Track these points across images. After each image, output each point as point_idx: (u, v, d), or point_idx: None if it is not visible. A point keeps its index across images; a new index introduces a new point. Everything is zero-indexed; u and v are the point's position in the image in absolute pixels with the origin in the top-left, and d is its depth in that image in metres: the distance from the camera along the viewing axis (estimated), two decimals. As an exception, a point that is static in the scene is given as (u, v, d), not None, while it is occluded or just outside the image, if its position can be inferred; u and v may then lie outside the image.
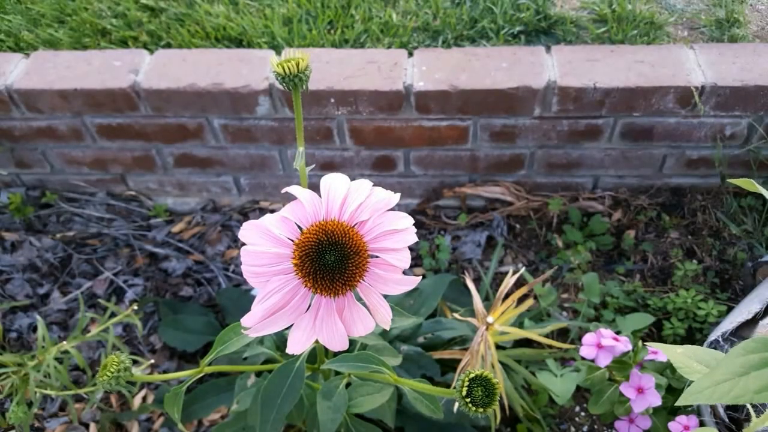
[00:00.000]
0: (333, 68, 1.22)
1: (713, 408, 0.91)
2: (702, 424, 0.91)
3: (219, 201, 1.47)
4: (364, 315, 0.51)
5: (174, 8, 1.47)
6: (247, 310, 0.50)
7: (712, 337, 0.96)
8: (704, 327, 1.18)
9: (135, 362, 1.14)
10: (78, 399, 1.21)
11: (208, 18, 1.43)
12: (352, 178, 0.51)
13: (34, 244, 1.38)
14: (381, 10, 1.43)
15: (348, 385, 0.73)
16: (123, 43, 1.43)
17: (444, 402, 0.96)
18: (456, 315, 1.00)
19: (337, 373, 0.73)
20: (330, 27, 1.42)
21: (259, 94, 1.21)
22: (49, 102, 1.25)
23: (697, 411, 0.95)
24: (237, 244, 1.39)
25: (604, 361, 0.91)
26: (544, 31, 1.40)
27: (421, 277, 0.67)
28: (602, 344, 0.91)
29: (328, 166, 1.35)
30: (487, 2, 1.43)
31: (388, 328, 0.53)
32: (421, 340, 1.08)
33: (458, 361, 1.03)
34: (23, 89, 1.24)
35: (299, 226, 0.50)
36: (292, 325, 0.51)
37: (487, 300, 1.25)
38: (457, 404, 0.56)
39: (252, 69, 1.23)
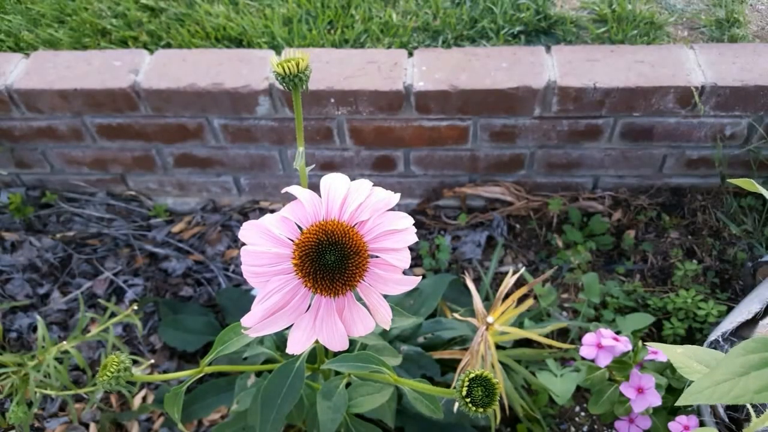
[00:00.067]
0: (333, 68, 1.22)
1: (713, 408, 0.91)
2: (702, 424, 0.91)
3: (219, 201, 1.47)
4: (364, 315, 0.51)
5: (174, 8, 1.47)
6: (247, 310, 0.50)
7: (712, 337, 0.96)
8: (704, 327, 1.18)
9: (135, 362, 1.14)
10: (78, 399, 1.21)
11: (208, 18, 1.43)
12: (352, 178, 0.51)
13: (34, 244, 1.38)
14: (381, 10, 1.43)
15: (348, 385, 0.73)
16: (123, 43, 1.43)
17: (444, 402, 0.96)
18: (456, 315, 1.00)
19: (337, 373, 0.73)
20: (330, 27, 1.42)
21: (259, 94, 1.21)
22: (49, 102, 1.25)
23: (697, 411, 0.95)
24: (237, 244, 1.39)
25: (604, 361, 0.91)
26: (544, 31, 1.40)
27: (421, 277, 0.67)
28: (602, 344, 0.91)
29: (328, 166, 1.35)
30: (487, 2, 1.43)
31: (388, 328, 0.53)
32: (421, 340, 1.08)
33: (458, 361, 1.03)
34: (23, 89, 1.24)
35: (299, 226, 0.50)
36: (292, 325, 0.51)
37: (487, 300, 1.25)
38: (457, 404, 0.56)
39: (252, 69, 1.23)
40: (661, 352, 0.90)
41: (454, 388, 0.54)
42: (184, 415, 1.03)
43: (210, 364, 0.67)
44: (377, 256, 0.50)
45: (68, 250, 1.38)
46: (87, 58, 1.28)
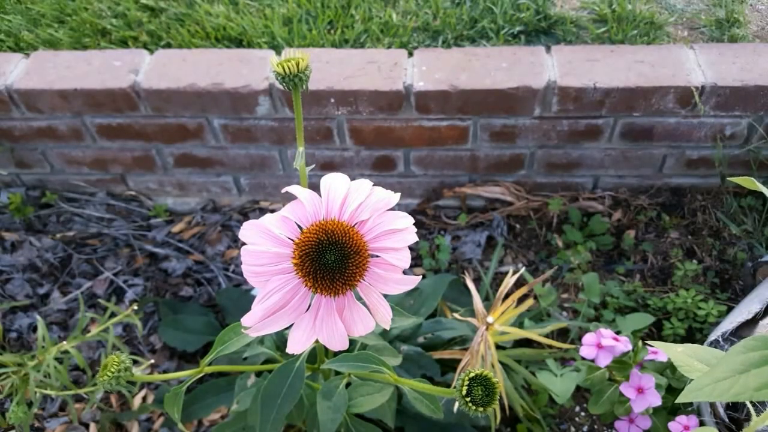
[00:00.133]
0: (333, 68, 1.22)
1: (713, 408, 0.91)
2: (702, 423, 0.91)
3: (219, 201, 1.47)
4: (365, 314, 0.51)
5: (174, 8, 1.47)
6: (247, 310, 0.50)
7: (712, 337, 0.96)
8: (704, 327, 1.18)
9: (135, 362, 1.14)
10: (78, 399, 1.21)
11: (208, 18, 1.43)
12: (352, 178, 0.52)
13: (34, 244, 1.38)
14: (381, 10, 1.43)
15: (348, 385, 0.73)
16: (123, 43, 1.43)
17: (444, 402, 0.96)
18: (456, 315, 1.00)
19: (337, 373, 0.73)
20: (330, 27, 1.43)
21: (259, 94, 1.21)
22: (49, 102, 1.25)
23: (697, 411, 0.95)
24: (237, 244, 1.39)
25: (604, 361, 0.91)
26: (544, 31, 1.40)
27: (421, 276, 0.67)
28: (602, 344, 0.91)
29: (328, 166, 1.35)
30: (487, 2, 1.43)
31: (388, 328, 0.53)
32: (421, 340, 1.08)
33: (458, 361, 1.03)
34: (23, 89, 1.24)
35: (299, 226, 0.50)
36: (292, 325, 0.51)
37: (487, 300, 1.25)
38: (457, 404, 0.56)
39: (252, 69, 1.23)
40: (661, 352, 0.90)
41: (454, 387, 0.54)
42: (184, 415, 1.03)
43: (210, 364, 0.67)
44: (377, 256, 0.50)
45: (68, 250, 1.38)
46: (87, 58, 1.28)
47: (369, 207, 0.50)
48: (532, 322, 1.19)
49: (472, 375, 0.53)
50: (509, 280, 0.98)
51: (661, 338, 1.19)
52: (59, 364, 1.02)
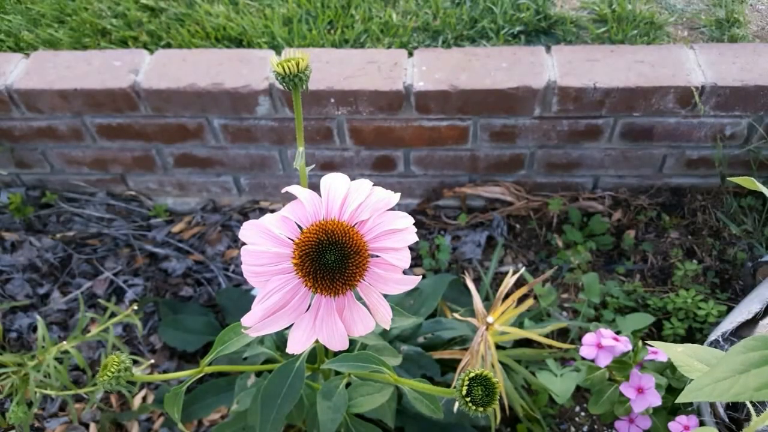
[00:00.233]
0: (333, 68, 1.22)
1: (713, 408, 0.91)
2: (702, 424, 0.91)
3: (219, 201, 1.47)
4: (365, 314, 0.51)
5: (174, 8, 1.47)
6: (247, 310, 0.50)
7: (712, 337, 0.96)
8: (704, 327, 1.18)
9: (135, 362, 1.14)
10: (78, 399, 1.21)
11: (208, 18, 1.43)
12: (352, 178, 0.52)
13: (34, 244, 1.38)
14: (381, 10, 1.43)
15: (348, 385, 0.73)
16: (123, 43, 1.43)
17: (444, 402, 0.96)
18: (456, 315, 1.00)
19: (337, 373, 0.73)
20: (330, 27, 1.43)
21: (259, 94, 1.21)
22: (49, 102, 1.25)
23: (697, 411, 0.95)
24: (237, 244, 1.39)
25: (604, 361, 0.91)
26: (544, 31, 1.40)
27: (421, 276, 0.67)
28: (602, 344, 0.91)
29: (328, 166, 1.35)
30: (487, 2, 1.43)
31: (388, 328, 0.53)
32: (421, 340, 1.08)
33: (458, 361, 1.03)
34: (23, 89, 1.24)
35: (299, 226, 0.50)
36: (292, 325, 0.51)
37: (487, 300, 1.25)
38: (457, 404, 0.56)
39: (252, 69, 1.23)
40: (661, 352, 0.90)
41: (454, 387, 0.54)
42: (184, 415, 1.03)
43: (210, 364, 0.67)
44: (377, 256, 0.50)
45: (68, 250, 1.38)
46: (87, 58, 1.28)
47: (369, 207, 0.50)
48: (532, 322, 1.19)
49: (472, 375, 0.53)
50: (509, 280, 0.98)
51: (661, 338, 1.19)
52: (59, 364, 1.02)
